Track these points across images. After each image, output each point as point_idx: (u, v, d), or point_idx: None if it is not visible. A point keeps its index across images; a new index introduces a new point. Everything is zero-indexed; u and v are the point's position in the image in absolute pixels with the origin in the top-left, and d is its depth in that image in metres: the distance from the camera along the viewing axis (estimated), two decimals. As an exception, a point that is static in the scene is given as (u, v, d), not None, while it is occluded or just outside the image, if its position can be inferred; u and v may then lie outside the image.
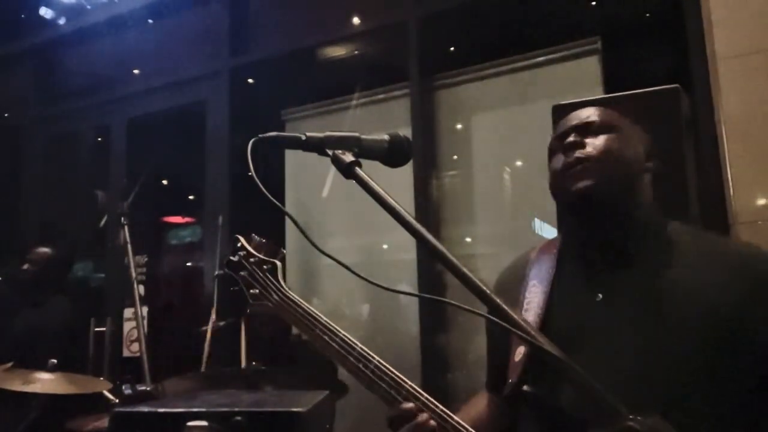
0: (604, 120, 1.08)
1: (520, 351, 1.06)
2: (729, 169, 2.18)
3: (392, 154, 0.99)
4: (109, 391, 2.33)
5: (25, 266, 3.27)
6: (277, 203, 0.87)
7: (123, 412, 0.62)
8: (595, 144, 1.06)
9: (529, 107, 3.02)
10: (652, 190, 1.10)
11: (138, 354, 2.55)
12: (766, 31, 2.20)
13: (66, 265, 3.56)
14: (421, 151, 3.04)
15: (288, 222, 3.26)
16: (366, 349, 1.10)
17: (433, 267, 2.92)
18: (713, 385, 0.90)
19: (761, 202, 2.14)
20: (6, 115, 4.77)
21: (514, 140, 3.07)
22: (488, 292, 0.84)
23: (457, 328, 3.02)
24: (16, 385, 2.23)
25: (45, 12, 4.15)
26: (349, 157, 0.92)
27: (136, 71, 4.20)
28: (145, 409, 0.61)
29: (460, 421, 1.01)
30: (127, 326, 3.59)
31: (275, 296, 1.18)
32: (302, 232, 0.88)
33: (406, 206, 0.90)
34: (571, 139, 1.07)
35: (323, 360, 2.90)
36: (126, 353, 3.56)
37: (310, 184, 3.55)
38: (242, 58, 3.72)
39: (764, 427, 0.93)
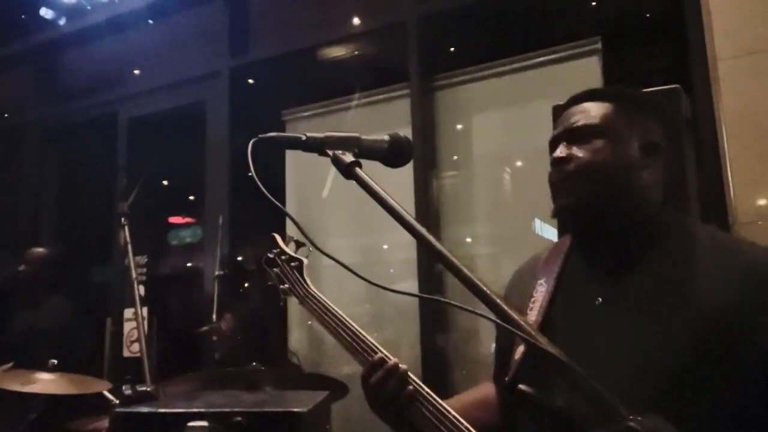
0: (593, 124, 1.08)
1: (520, 350, 1.07)
2: (729, 169, 2.18)
3: (392, 154, 0.99)
4: (109, 391, 2.33)
5: (21, 267, 3.28)
6: (278, 203, 0.87)
7: (123, 413, 0.62)
8: (579, 156, 1.06)
9: (529, 107, 3.02)
10: (657, 186, 1.09)
11: (138, 354, 2.55)
12: (766, 31, 2.20)
13: (62, 265, 3.52)
14: (421, 151, 3.04)
15: (288, 222, 3.26)
16: (375, 344, 1.15)
17: (433, 267, 2.92)
18: (712, 388, 0.90)
19: (761, 202, 2.14)
20: (6, 115, 4.77)
21: (514, 140, 3.07)
22: (488, 292, 0.83)
23: (457, 328, 3.02)
24: (16, 386, 2.23)
25: (45, 12, 4.15)
26: (349, 158, 0.92)
27: (136, 71, 4.20)
28: (146, 409, 0.61)
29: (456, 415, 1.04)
30: (128, 326, 3.59)
31: (300, 292, 1.32)
32: (302, 232, 0.88)
33: (406, 206, 0.90)
34: (557, 153, 1.08)
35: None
36: (126, 353, 3.57)
37: (310, 184, 3.54)
38: (242, 58, 3.72)
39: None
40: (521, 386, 0.99)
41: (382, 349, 1.13)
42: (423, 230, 0.87)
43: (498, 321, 0.81)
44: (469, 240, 3.16)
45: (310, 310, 1.28)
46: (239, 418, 0.58)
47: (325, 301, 1.27)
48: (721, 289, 0.94)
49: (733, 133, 2.19)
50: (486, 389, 1.29)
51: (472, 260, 3.07)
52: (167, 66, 3.97)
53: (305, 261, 1.36)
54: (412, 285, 2.99)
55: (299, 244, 1.41)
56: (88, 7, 4.15)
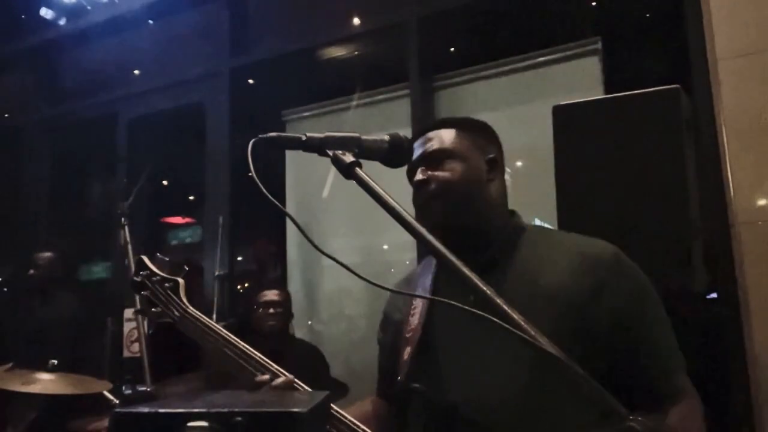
0: (444, 148, 1.20)
1: (408, 351, 1.13)
2: (729, 169, 2.18)
3: (392, 154, 0.99)
4: (109, 391, 2.34)
5: (31, 271, 3.40)
6: (278, 204, 0.87)
7: (123, 413, 0.62)
8: (437, 177, 1.18)
9: (529, 107, 3.02)
10: (503, 195, 1.24)
11: (138, 354, 2.55)
12: (766, 31, 2.20)
13: (68, 264, 3.63)
14: (421, 151, 3.04)
15: (288, 222, 3.26)
16: (265, 359, 1.14)
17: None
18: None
19: (761, 202, 2.15)
20: (6, 115, 4.77)
21: (514, 140, 3.06)
22: (488, 292, 0.84)
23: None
24: (16, 386, 2.23)
25: (45, 13, 4.15)
26: (349, 158, 0.92)
27: (136, 71, 4.20)
28: (145, 409, 0.61)
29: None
30: (128, 326, 3.59)
31: (176, 313, 1.24)
32: (302, 232, 0.88)
33: (406, 206, 0.90)
34: (418, 177, 1.19)
35: (321, 359, 2.92)
36: (126, 353, 3.57)
37: (311, 184, 3.55)
38: (242, 58, 3.72)
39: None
40: (414, 385, 1.05)
41: (272, 364, 1.12)
42: (423, 230, 0.87)
43: (498, 321, 0.81)
44: (469, 240, 3.16)
45: (187, 332, 1.22)
46: (239, 418, 0.58)
47: (205, 320, 1.21)
48: (567, 278, 1.09)
49: (733, 132, 2.19)
50: (366, 404, 1.30)
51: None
52: (167, 66, 3.97)
53: (181, 281, 1.27)
54: (412, 285, 2.99)
55: (174, 265, 1.32)
56: (88, 8, 4.15)
